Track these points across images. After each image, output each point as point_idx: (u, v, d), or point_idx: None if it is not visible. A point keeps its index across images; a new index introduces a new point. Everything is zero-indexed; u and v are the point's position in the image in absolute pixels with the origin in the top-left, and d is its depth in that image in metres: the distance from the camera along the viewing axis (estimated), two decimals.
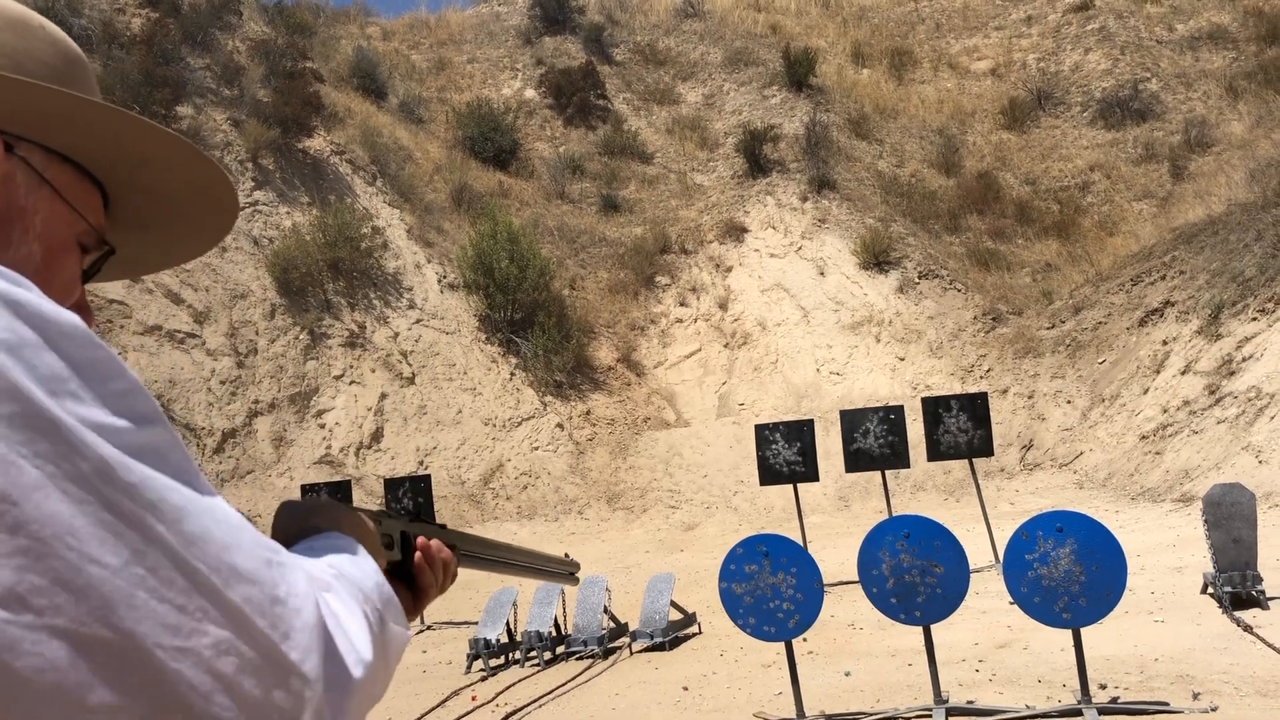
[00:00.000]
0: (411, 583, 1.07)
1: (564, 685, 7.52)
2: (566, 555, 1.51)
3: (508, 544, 1.32)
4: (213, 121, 20.33)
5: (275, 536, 0.88)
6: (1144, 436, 15.18)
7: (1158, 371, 16.17)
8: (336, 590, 0.77)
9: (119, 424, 0.63)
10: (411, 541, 1.07)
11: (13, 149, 0.82)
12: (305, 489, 12.43)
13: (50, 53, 0.87)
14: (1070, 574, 5.45)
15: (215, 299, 17.83)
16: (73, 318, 0.64)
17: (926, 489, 16.43)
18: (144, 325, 16.81)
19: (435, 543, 1.10)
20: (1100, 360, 17.56)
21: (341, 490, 12.14)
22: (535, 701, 7.11)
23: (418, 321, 19.61)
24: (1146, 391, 16.01)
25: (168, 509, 0.62)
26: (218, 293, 17.94)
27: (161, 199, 0.96)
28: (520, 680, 7.84)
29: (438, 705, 7.34)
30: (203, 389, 16.73)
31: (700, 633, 8.88)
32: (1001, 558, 5.95)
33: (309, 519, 0.93)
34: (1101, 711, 5.45)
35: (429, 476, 12.25)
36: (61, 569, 0.56)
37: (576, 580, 1.51)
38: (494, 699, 7.33)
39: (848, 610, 8.87)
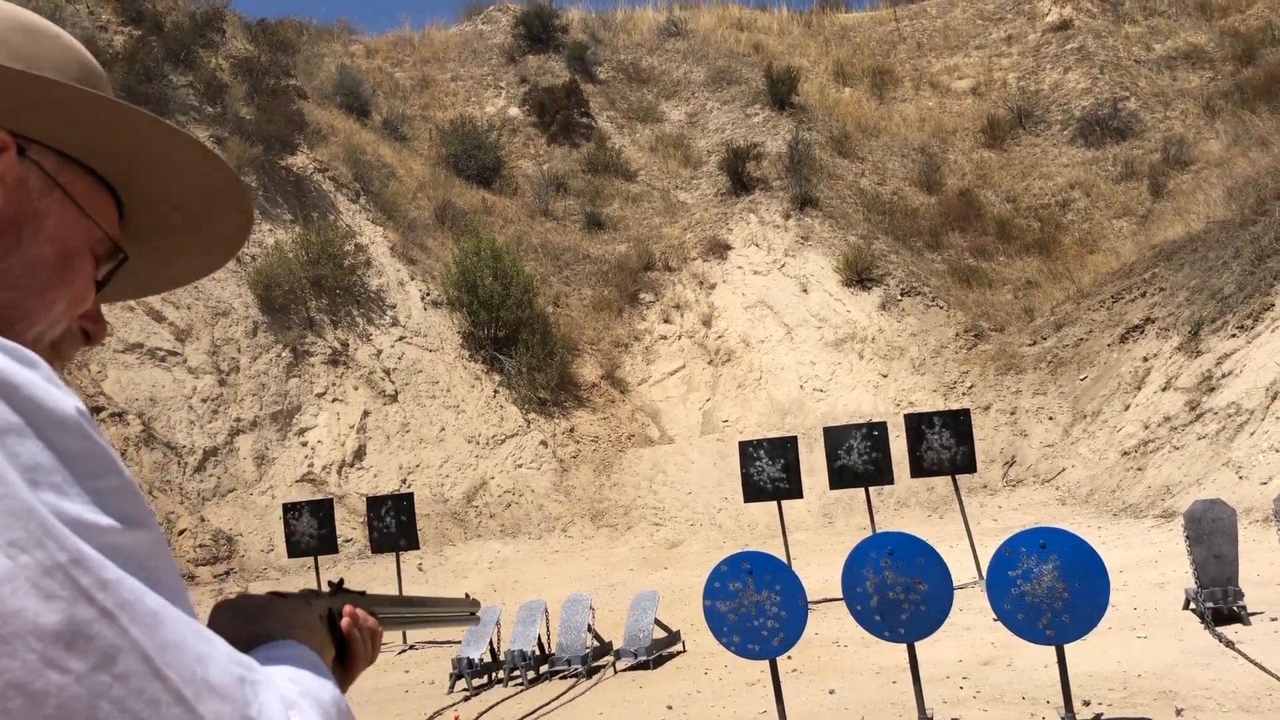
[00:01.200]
0: (343, 655, 1.03)
1: (547, 705, 7.48)
2: (467, 595, 1.48)
3: (410, 598, 1.27)
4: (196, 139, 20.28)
5: None
6: (1126, 453, 15.25)
7: (1139, 388, 16.26)
8: (301, 709, 0.73)
9: (102, 522, 0.59)
10: (338, 617, 1.03)
11: (25, 152, 0.81)
12: (287, 507, 12.35)
13: (64, 58, 0.86)
14: (1053, 590, 5.46)
15: (197, 316, 17.75)
16: (69, 407, 0.62)
17: (910, 505, 16.45)
18: (125, 343, 16.71)
19: (362, 611, 1.06)
20: (1082, 377, 17.65)
21: (324, 508, 12.06)
22: None
23: (401, 339, 19.55)
24: (1128, 408, 16.10)
25: (143, 611, 0.58)
26: (199, 310, 17.85)
27: (175, 207, 0.95)
28: (503, 700, 7.79)
29: None
30: (184, 407, 16.62)
31: (684, 651, 8.85)
32: (985, 574, 5.96)
33: (258, 624, 0.87)
34: None
35: (412, 494, 12.20)
36: (19, 672, 0.52)
37: (476, 619, 1.47)
38: (477, 719, 7.28)
39: (832, 628, 8.86)
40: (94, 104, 0.82)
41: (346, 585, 1.09)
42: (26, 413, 0.59)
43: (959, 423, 11.13)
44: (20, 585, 0.54)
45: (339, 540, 12.83)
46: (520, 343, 19.46)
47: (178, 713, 0.57)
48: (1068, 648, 5.60)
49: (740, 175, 24.51)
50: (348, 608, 1.05)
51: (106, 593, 0.57)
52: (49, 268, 0.82)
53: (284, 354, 18.18)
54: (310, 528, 11.86)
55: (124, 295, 1.04)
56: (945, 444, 11.01)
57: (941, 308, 20.83)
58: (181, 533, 14.94)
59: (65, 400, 0.62)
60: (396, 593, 1.22)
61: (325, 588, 1.05)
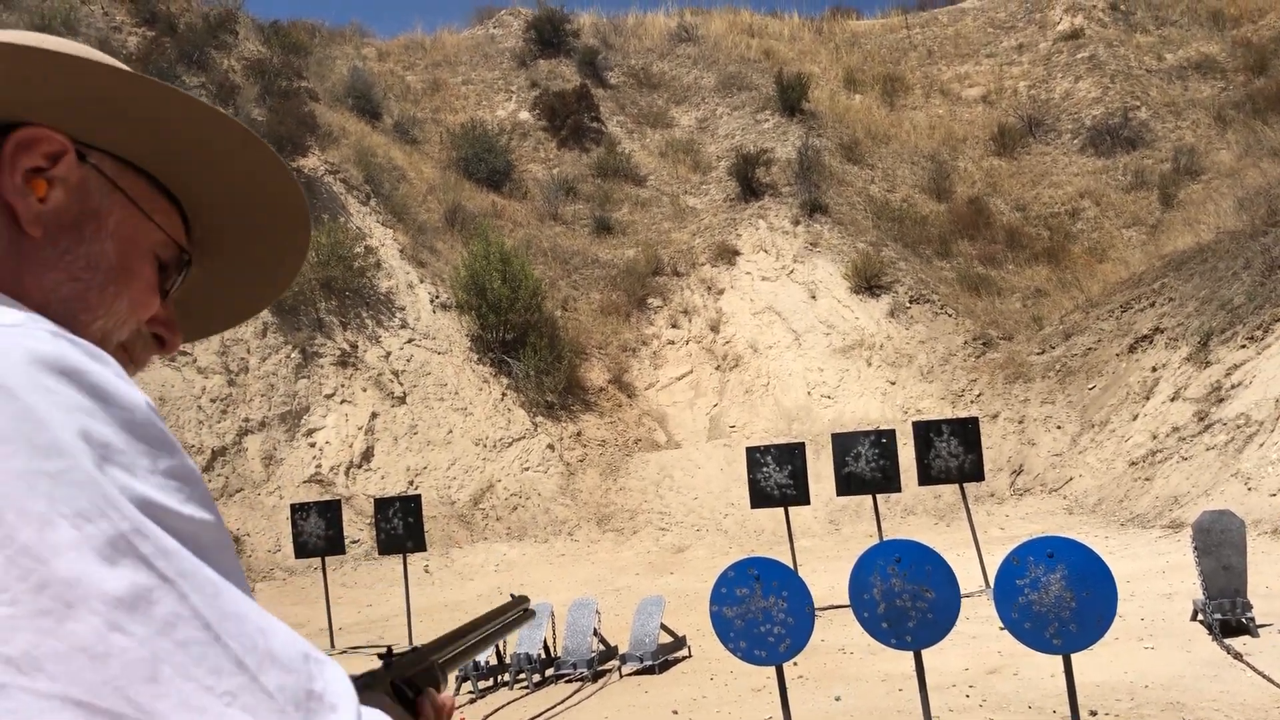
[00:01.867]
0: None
1: (553, 708, 7.48)
2: (513, 596, 1.46)
3: (462, 628, 1.23)
4: None
5: None
6: (1134, 463, 15.22)
7: (1147, 398, 16.23)
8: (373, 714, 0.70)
9: (167, 502, 0.60)
10: (404, 689, 0.97)
11: (84, 158, 0.84)
12: (295, 508, 12.38)
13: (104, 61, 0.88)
14: (1061, 600, 5.45)
15: None
16: (139, 397, 0.63)
17: (917, 513, 16.43)
18: None
19: (445, 697, 1.01)
20: (1090, 386, 17.62)
21: (332, 509, 12.08)
22: None
23: (409, 341, 19.59)
24: (1136, 418, 16.06)
25: (203, 580, 0.59)
26: None
27: (235, 214, 0.96)
28: (509, 703, 7.80)
29: None
30: (193, 407, 16.67)
31: (690, 656, 8.85)
32: (992, 583, 5.96)
33: None
34: None
35: (419, 496, 12.21)
36: (83, 634, 0.53)
37: (532, 614, 1.45)
38: None
39: (838, 634, 8.86)
40: (148, 91, 0.84)
41: (392, 650, 1.03)
42: (98, 396, 0.61)
43: (967, 431, 11.13)
44: (85, 552, 0.55)
45: (346, 541, 12.85)
46: (528, 346, 19.49)
47: (240, 681, 0.57)
48: (1075, 657, 5.59)
49: (750, 181, 24.52)
50: (438, 698, 1.00)
51: (168, 561, 0.58)
52: (110, 264, 0.85)
53: (293, 355, 18.23)
54: (318, 529, 11.88)
55: (193, 335, 1.07)
56: (953, 452, 11.00)
57: (950, 315, 20.81)
58: None
59: (135, 392, 0.64)
60: (446, 631, 1.15)
61: (378, 660, 1.01)
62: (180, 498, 0.62)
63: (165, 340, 0.93)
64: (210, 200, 0.94)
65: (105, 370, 0.63)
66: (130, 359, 0.89)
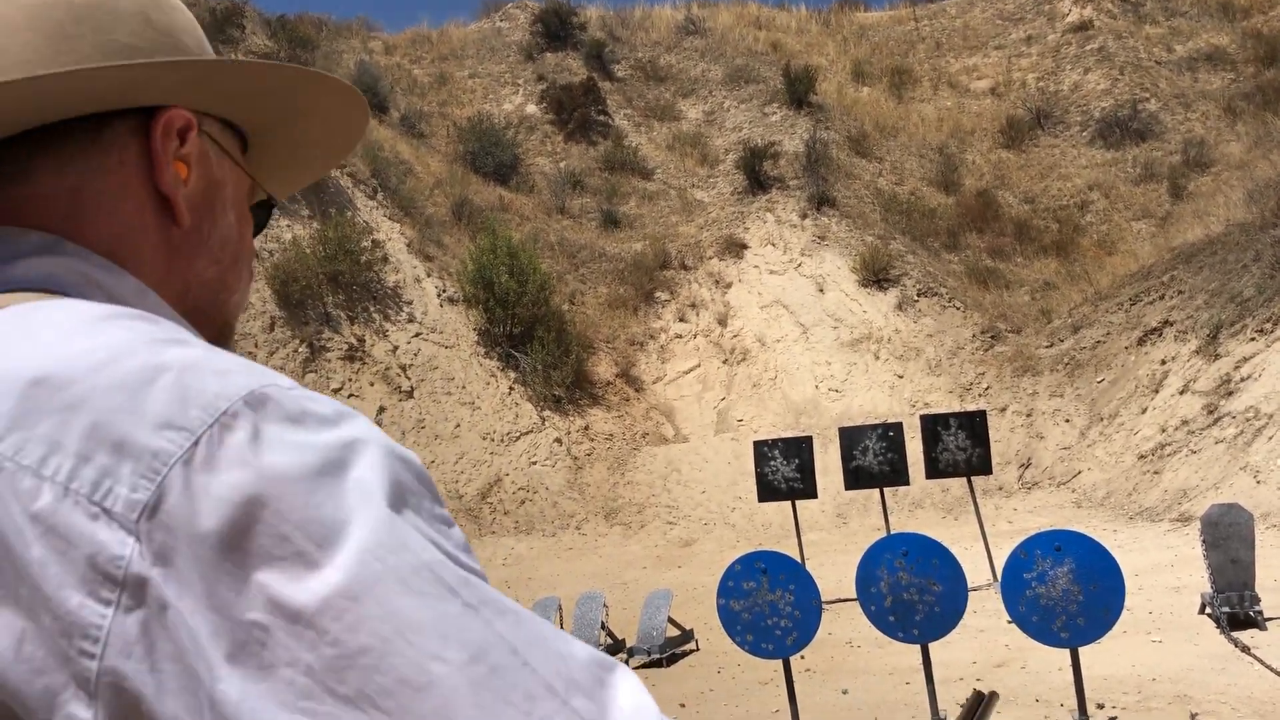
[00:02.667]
0: None
1: None
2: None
3: None
4: None
5: None
6: (1142, 456, 15.18)
7: (1156, 391, 16.18)
8: None
9: (445, 542, 0.60)
10: None
11: (202, 127, 0.81)
12: None
13: (188, 20, 0.86)
14: (1068, 593, 5.45)
15: None
16: (409, 454, 0.64)
17: (925, 507, 16.41)
18: None
19: None
20: (1099, 379, 17.58)
21: None
22: None
23: (417, 335, 19.61)
24: (1145, 411, 16.02)
25: (504, 608, 0.58)
26: None
27: (302, 143, 0.95)
28: None
29: None
30: None
31: (698, 649, 8.86)
32: (999, 576, 5.96)
33: None
34: None
35: None
36: (405, 667, 0.53)
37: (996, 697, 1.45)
38: None
39: (845, 628, 8.86)
40: (241, 70, 0.83)
41: None
42: (390, 451, 0.62)
43: (975, 424, 11.11)
44: (392, 587, 0.54)
45: None
46: (536, 340, 19.50)
47: (552, 706, 0.56)
48: (1082, 651, 5.59)
49: (757, 174, 24.48)
50: None
51: (469, 589, 0.57)
52: (235, 236, 0.84)
53: (300, 349, 18.26)
54: None
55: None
56: (961, 445, 10.98)
57: (958, 309, 20.77)
58: None
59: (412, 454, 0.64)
60: None
61: None
62: (455, 539, 0.61)
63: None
64: (282, 135, 0.92)
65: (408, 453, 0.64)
66: (236, 313, 0.89)
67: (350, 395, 18.12)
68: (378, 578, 0.54)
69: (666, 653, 8.43)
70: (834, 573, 11.17)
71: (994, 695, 1.41)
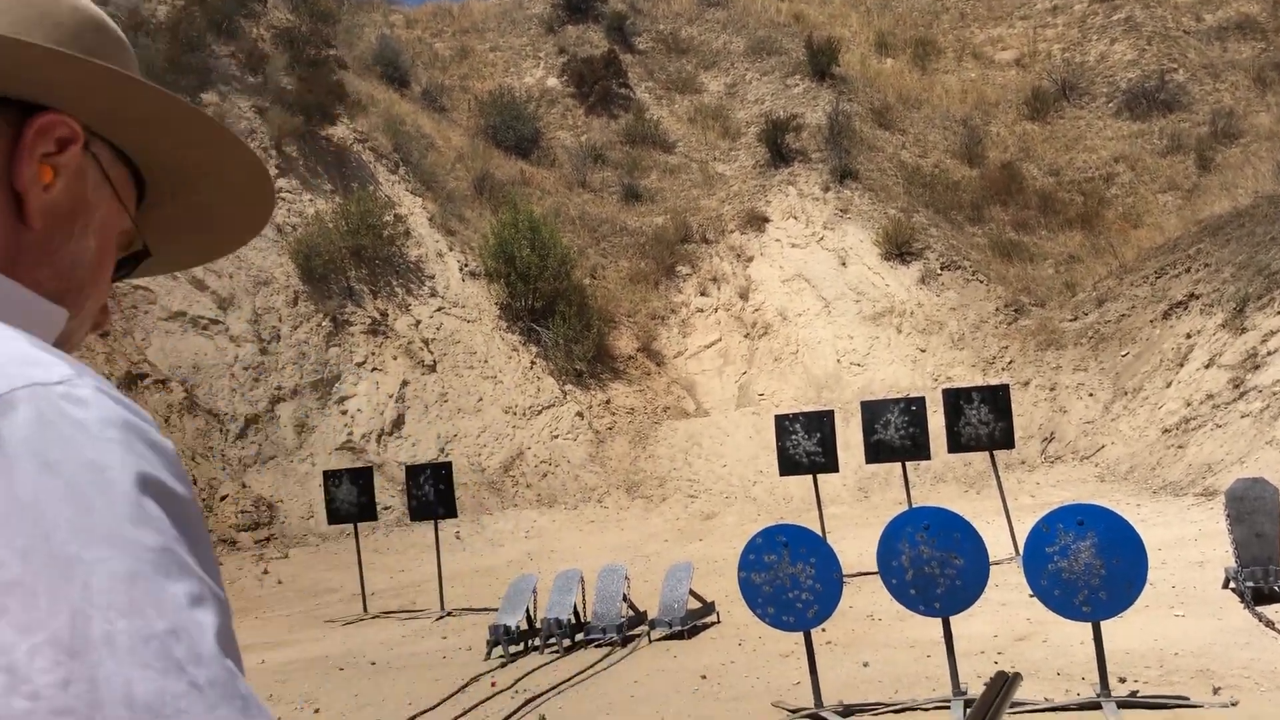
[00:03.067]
0: None
1: (583, 672, 7.57)
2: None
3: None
4: (237, 109, 20.44)
5: None
6: (1167, 430, 15.09)
7: (1181, 365, 16.06)
8: None
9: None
10: None
11: (88, 145, 0.81)
12: (328, 475, 12.52)
13: (118, 47, 0.86)
14: (1091, 567, 5.44)
15: (239, 285, 17.95)
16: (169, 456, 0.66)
17: (946, 480, 16.39)
18: (168, 311, 16.95)
19: None
20: (1123, 353, 17.45)
21: (364, 476, 12.22)
22: (555, 688, 7.17)
23: (439, 309, 19.68)
24: (1170, 385, 15.91)
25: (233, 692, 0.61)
26: (241, 279, 18.06)
27: (203, 206, 0.95)
28: (539, 667, 7.90)
29: (457, 691, 7.40)
30: (226, 375, 16.85)
31: (719, 622, 8.91)
32: (1021, 550, 5.95)
33: None
34: (1121, 705, 5.44)
35: (450, 464, 12.31)
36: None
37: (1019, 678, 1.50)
38: (513, 685, 7.39)
39: (866, 601, 8.88)
40: (157, 101, 0.82)
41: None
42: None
43: (998, 398, 11.07)
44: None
45: (378, 508, 13.00)
46: (557, 314, 19.53)
47: None
48: (1104, 625, 5.59)
49: (779, 147, 24.33)
50: None
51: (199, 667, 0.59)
52: (91, 263, 0.83)
53: (324, 323, 18.36)
54: (350, 495, 12.02)
55: (141, 273, 1.04)
56: (984, 419, 10.95)
57: (982, 282, 20.64)
58: (223, 499, 15.19)
59: (166, 444, 0.66)
60: None
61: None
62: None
63: (99, 323, 0.91)
64: (178, 190, 0.92)
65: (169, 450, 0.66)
66: (73, 346, 0.87)
67: (374, 369, 18.22)
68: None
69: (688, 625, 8.49)
70: (855, 546, 11.19)
71: (1017, 676, 1.44)
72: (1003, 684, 1.44)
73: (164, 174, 0.90)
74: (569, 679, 7.39)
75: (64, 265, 0.80)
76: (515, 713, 6.61)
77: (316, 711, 7.24)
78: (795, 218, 22.68)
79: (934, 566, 5.77)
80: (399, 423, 17.72)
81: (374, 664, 8.65)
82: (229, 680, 0.59)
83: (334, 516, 12.23)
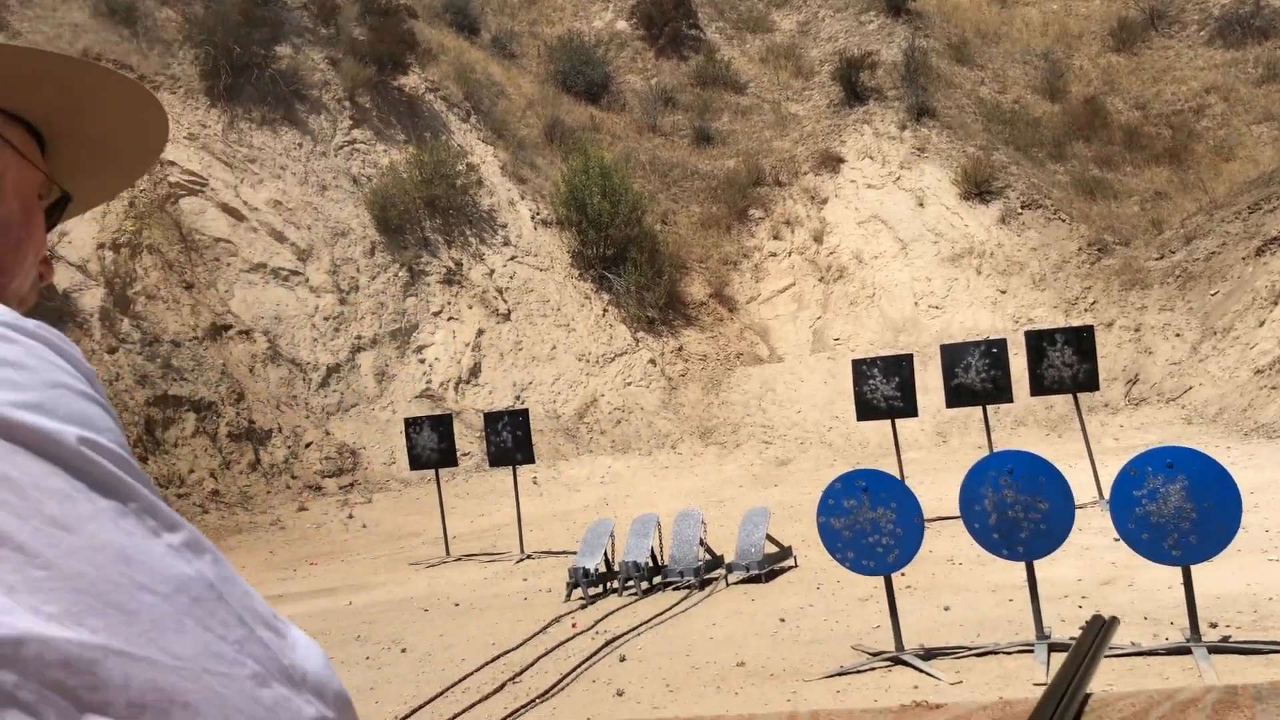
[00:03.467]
0: None
1: (662, 614, 7.65)
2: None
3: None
4: (310, 61, 20.61)
5: None
6: (1259, 371, 14.63)
7: (1276, 303, 15.51)
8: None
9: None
10: None
11: None
12: (408, 422, 12.75)
13: None
14: (1181, 511, 5.32)
15: (317, 236, 18.23)
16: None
17: (1027, 424, 16.13)
18: (249, 263, 17.29)
19: None
20: (1213, 292, 16.91)
21: (444, 423, 12.42)
22: (634, 630, 7.26)
23: (512, 259, 19.79)
24: (1263, 324, 15.39)
25: (205, 547, 0.66)
26: (319, 230, 18.33)
27: (99, 141, 0.97)
28: (618, 609, 8.00)
29: (539, 631, 7.54)
30: (307, 325, 17.19)
31: (796, 566, 8.93)
32: (1107, 494, 5.84)
33: None
34: (1212, 650, 5.34)
35: (527, 410, 12.45)
36: (113, 593, 0.59)
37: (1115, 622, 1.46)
38: (593, 626, 7.50)
39: (946, 545, 8.82)
40: (28, 59, 0.84)
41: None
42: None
43: (1082, 340, 10.82)
44: (105, 524, 0.62)
45: (458, 454, 13.21)
46: (629, 261, 19.50)
47: (244, 634, 0.64)
48: (1194, 569, 5.47)
49: (854, 85, 23.84)
50: None
51: (175, 527, 0.66)
52: (17, 223, 0.86)
53: (401, 273, 18.59)
54: (431, 441, 12.23)
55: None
56: (1067, 361, 10.72)
57: (1064, 221, 20.10)
58: (308, 445, 15.57)
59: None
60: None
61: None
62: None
63: (43, 274, 0.94)
64: (72, 132, 0.95)
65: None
66: (22, 302, 0.91)
67: (450, 318, 18.43)
68: (92, 515, 0.61)
69: (765, 569, 8.52)
70: (934, 490, 11.09)
71: (1114, 620, 1.40)
72: (1100, 628, 1.40)
73: (56, 119, 0.93)
74: (648, 620, 7.48)
75: None
76: (597, 653, 6.72)
77: (404, 651, 7.44)
78: (871, 158, 22.27)
79: (1018, 510, 5.70)
80: (475, 371, 17.94)
81: (457, 605, 8.84)
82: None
83: (415, 463, 12.47)
